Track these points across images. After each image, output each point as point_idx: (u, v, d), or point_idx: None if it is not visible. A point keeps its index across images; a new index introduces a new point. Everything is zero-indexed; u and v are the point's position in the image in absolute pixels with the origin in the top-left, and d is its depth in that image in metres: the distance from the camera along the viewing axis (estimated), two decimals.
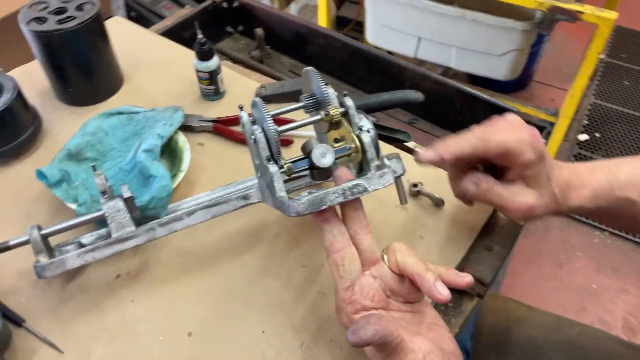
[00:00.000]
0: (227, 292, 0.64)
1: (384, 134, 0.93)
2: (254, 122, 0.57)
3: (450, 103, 1.05)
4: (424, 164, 0.60)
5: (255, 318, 0.61)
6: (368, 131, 0.60)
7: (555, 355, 0.89)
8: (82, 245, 0.65)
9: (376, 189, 0.54)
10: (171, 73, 0.93)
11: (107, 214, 0.59)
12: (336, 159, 0.57)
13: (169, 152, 0.77)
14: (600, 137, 2.23)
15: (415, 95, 0.88)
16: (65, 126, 0.84)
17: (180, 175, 0.71)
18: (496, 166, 0.62)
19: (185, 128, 0.82)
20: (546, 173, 0.59)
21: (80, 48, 0.82)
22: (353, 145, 0.58)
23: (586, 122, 2.30)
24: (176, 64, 0.95)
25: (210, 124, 0.82)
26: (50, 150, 0.80)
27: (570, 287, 1.82)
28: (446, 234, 0.70)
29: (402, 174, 0.58)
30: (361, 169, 0.59)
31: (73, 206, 0.68)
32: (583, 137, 2.24)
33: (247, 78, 0.94)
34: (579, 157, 2.14)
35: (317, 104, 0.62)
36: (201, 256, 0.67)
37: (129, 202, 0.61)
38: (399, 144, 1.03)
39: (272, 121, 0.55)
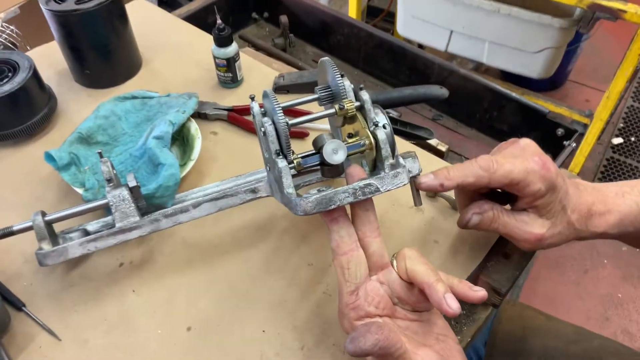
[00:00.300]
0: (229, 288, 0.62)
1: (405, 130, 0.90)
2: (264, 114, 0.55)
3: (477, 100, 1.01)
4: (423, 189, 0.57)
5: (256, 316, 0.59)
6: (384, 127, 0.56)
7: None
8: (87, 233, 0.64)
9: (389, 190, 0.51)
10: (190, 58, 0.91)
11: (111, 203, 0.58)
12: (349, 155, 0.54)
13: (181, 139, 0.75)
14: (636, 140, 2.14)
15: (440, 92, 0.84)
16: (80, 108, 0.83)
17: (190, 165, 0.69)
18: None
19: (200, 115, 0.80)
20: (560, 202, 0.56)
21: (98, 29, 0.81)
22: (367, 142, 0.55)
23: (622, 125, 2.21)
24: (195, 49, 0.93)
25: (225, 112, 0.79)
26: (63, 132, 0.79)
27: (594, 295, 1.75)
28: (462, 239, 0.66)
29: (418, 174, 0.55)
30: (375, 167, 0.56)
31: (80, 191, 0.67)
32: (617, 140, 2.15)
33: (267, 66, 0.91)
34: (612, 161, 2.06)
35: (332, 97, 0.59)
36: (206, 249, 0.65)
37: (134, 191, 0.59)
38: (420, 141, 1.00)
39: (282, 114, 0.53)
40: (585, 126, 2.10)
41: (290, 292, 0.61)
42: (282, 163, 0.52)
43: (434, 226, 0.68)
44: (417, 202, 0.58)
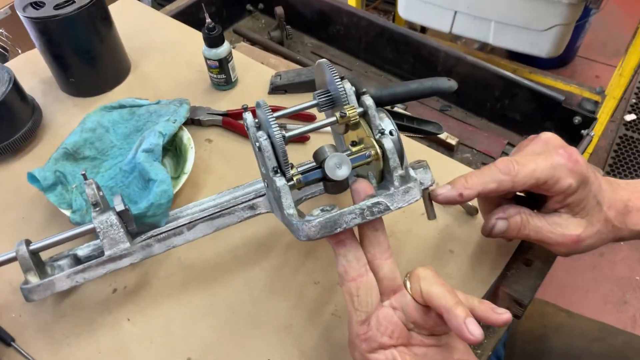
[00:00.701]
0: (230, 312, 0.57)
1: (412, 126, 0.84)
2: (259, 127, 0.50)
3: (487, 89, 0.95)
4: (441, 202, 0.52)
5: (260, 342, 0.55)
6: (391, 133, 0.51)
7: None
8: (77, 259, 0.59)
9: (400, 207, 0.46)
10: (180, 59, 0.86)
11: (98, 230, 0.53)
12: (353, 168, 0.49)
13: (174, 150, 0.71)
14: None
15: (448, 84, 0.78)
16: (67, 119, 0.79)
17: (183, 179, 0.65)
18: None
19: (193, 122, 0.75)
20: (594, 197, 0.51)
21: (80, 35, 0.75)
22: (373, 152, 0.50)
23: (634, 100, 2.14)
24: (186, 48, 0.88)
25: (220, 117, 0.74)
26: (50, 146, 0.74)
27: (611, 279, 1.71)
28: (480, 247, 0.62)
29: (431, 185, 0.50)
30: (382, 178, 0.51)
31: (67, 213, 0.62)
32: (630, 117, 2.08)
33: (262, 65, 0.86)
34: (625, 139, 1.99)
35: (332, 102, 0.54)
36: (203, 270, 0.61)
37: (123, 215, 0.55)
38: (429, 136, 0.95)
39: (277, 127, 0.48)
40: (597, 104, 2.03)
41: (296, 314, 0.57)
42: (280, 181, 0.47)
43: (448, 234, 0.63)
44: (431, 215, 0.53)
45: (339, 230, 0.44)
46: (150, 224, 0.61)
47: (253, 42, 1.09)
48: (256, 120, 0.51)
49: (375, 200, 0.45)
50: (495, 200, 0.56)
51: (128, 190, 0.66)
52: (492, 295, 0.61)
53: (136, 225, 0.61)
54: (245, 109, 0.51)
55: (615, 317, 1.63)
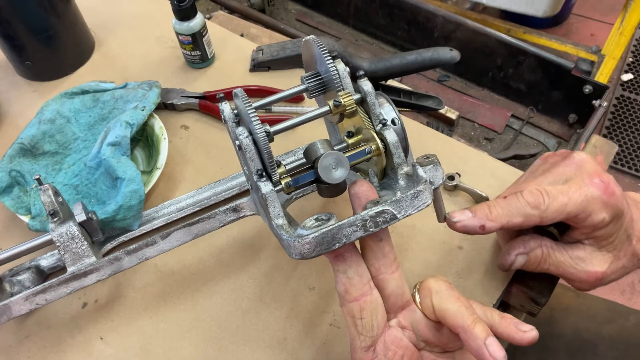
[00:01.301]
0: (216, 326, 0.51)
1: (410, 102, 0.77)
2: (238, 122, 0.42)
3: (489, 57, 0.88)
4: (458, 230, 0.46)
5: None
6: (393, 123, 0.44)
7: (608, 352, 0.77)
8: (40, 271, 0.53)
9: (408, 215, 0.39)
10: (150, 34, 0.77)
11: (57, 244, 0.46)
12: (352, 166, 0.42)
13: (145, 139, 0.63)
14: None
15: (450, 55, 0.71)
16: (26, 107, 0.70)
17: (156, 174, 0.57)
18: None
19: (166, 106, 0.67)
20: (625, 231, 0.46)
21: (32, 11, 0.66)
22: (374, 147, 0.42)
23: (631, 59, 2.07)
24: (156, 22, 0.78)
25: (196, 100, 0.66)
26: (8, 140, 0.66)
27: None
28: (492, 241, 0.55)
29: (442, 184, 0.43)
30: (385, 175, 0.45)
31: (25, 219, 0.55)
32: (627, 76, 2.02)
33: (242, 38, 0.77)
34: (622, 100, 1.93)
35: (323, 85, 0.47)
36: (184, 278, 0.54)
37: (86, 225, 0.47)
38: (427, 111, 0.87)
39: (259, 122, 0.40)
40: (592, 64, 1.96)
41: (290, 326, 0.51)
42: (266, 187, 0.40)
43: None
44: (441, 217, 0.46)
45: (337, 246, 0.37)
46: (120, 227, 0.54)
47: (232, 11, 1.00)
48: (235, 111, 0.43)
49: (379, 208, 0.38)
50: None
51: (95, 188, 0.58)
52: (506, 293, 0.55)
53: (105, 229, 0.54)
54: (220, 98, 0.44)
55: (613, 283, 1.61)
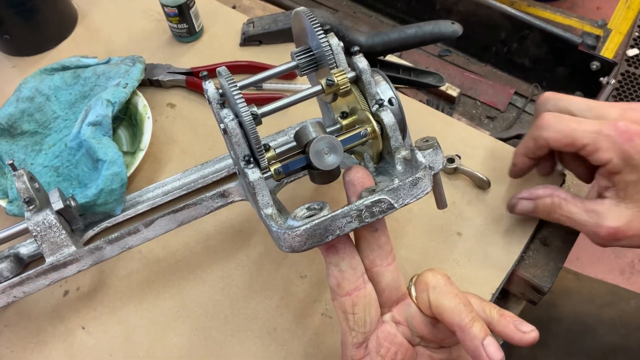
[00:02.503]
0: (203, 315, 0.49)
1: (409, 78, 0.74)
2: (223, 104, 0.39)
3: (493, 30, 0.84)
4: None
5: (239, 351, 0.47)
6: (390, 103, 0.41)
7: (608, 336, 0.76)
8: (19, 259, 0.50)
9: (407, 204, 0.36)
10: (135, 6, 0.72)
11: (34, 233, 0.43)
12: (346, 150, 0.39)
13: (129, 118, 0.60)
14: None
15: (452, 28, 0.67)
16: (5, 83, 0.67)
17: (140, 155, 0.54)
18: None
19: (152, 83, 0.63)
20: None
21: None
22: (369, 129, 0.39)
23: (637, 33, 2.01)
24: None
25: (183, 77, 0.63)
26: None
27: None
28: (492, 227, 0.53)
29: (443, 168, 0.41)
30: (381, 158, 0.42)
31: (3, 203, 0.52)
32: (633, 52, 1.96)
33: (233, 10, 0.73)
34: (627, 76, 1.88)
35: (315, 62, 0.43)
36: (170, 265, 0.52)
37: (64, 213, 0.45)
38: (428, 89, 0.84)
39: (245, 104, 0.37)
40: (598, 38, 1.90)
41: (280, 315, 0.49)
42: (254, 175, 0.37)
43: (455, 214, 0.54)
44: (442, 204, 0.44)
45: (330, 238, 0.34)
46: (102, 212, 0.51)
47: None
48: (220, 90, 0.40)
49: (375, 197, 0.35)
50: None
51: (77, 170, 0.55)
52: (507, 281, 0.53)
53: (87, 214, 0.52)
54: (204, 77, 0.40)
55: (613, 263, 1.59)
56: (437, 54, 0.90)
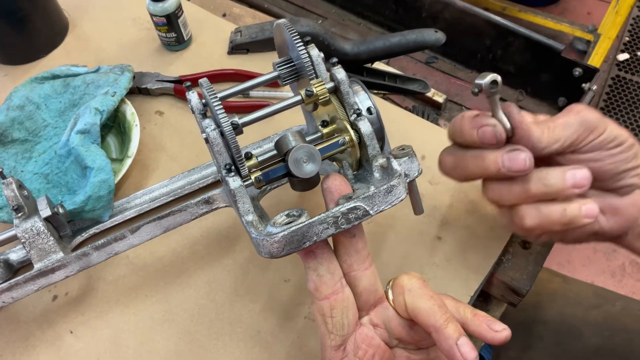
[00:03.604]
0: (189, 319, 0.50)
1: (395, 85, 0.75)
2: (204, 114, 0.40)
3: (478, 38, 0.85)
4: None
5: (224, 354, 0.48)
6: (369, 111, 0.43)
7: (593, 338, 0.77)
8: (9, 265, 0.51)
9: (382, 211, 0.37)
10: (125, 15, 0.74)
11: (22, 240, 0.45)
12: (324, 159, 0.41)
13: (118, 126, 0.61)
14: None
15: (435, 37, 0.69)
16: None
17: (127, 162, 0.55)
18: None
19: (140, 91, 0.64)
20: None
21: None
22: (347, 138, 0.41)
23: (627, 38, 2.03)
24: (131, 2, 0.75)
25: (171, 85, 0.64)
26: None
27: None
28: (472, 232, 0.54)
29: (418, 176, 0.42)
30: (360, 166, 0.43)
31: None
32: (623, 56, 1.98)
33: (221, 19, 0.74)
34: (618, 80, 1.90)
35: (296, 72, 0.45)
36: (157, 270, 0.53)
37: (52, 219, 0.46)
38: (414, 95, 0.85)
39: (225, 115, 0.38)
40: (589, 43, 1.92)
41: (264, 319, 0.50)
42: (234, 183, 0.38)
43: (435, 218, 0.55)
44: (418, 209, 0.45)
45: (308, 244, 0.36)
46: (91, 218, 0.52)
47: None
48: (204, 101, 0.41)
49: (351, 204, 0.36)
50: None
51: (66, 177, 0.56)
52: (487, 283, 0.54)
53: (75, 220, 0.53)
54: (188, 87, 0.42)
55: (604, 266, 1.61)
56: (424, 61, 0.91)
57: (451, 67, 0.90)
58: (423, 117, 0.81)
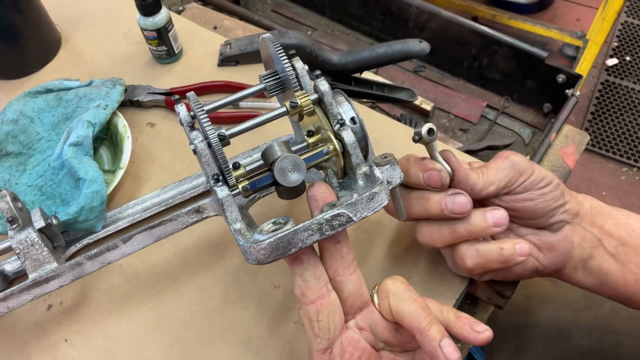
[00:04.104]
0: (181, 327, 0.51)
1: (382, 94, 0.77)
2: (192, 126, 0.42)
3: (464, 47, 0.87)
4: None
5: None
6: (353, 121, 0.44)
7: (583, 340, 0.78)
8: (4, 276, 0.52)
9: (365, 217, 0.39)
10: (117, 29, 0.75)
11: (17, 251, 0.46)
12: (309, 168, 0.42)
13: (110, 138, 0.62)
14: (632, 60, 2.00)
15: (420, 47, 0.70)
16: None
17: (119, 174, 0.57)
18: None
19: (132, 103, 0.66)
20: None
21: None
22: (331, 147, 0.42)
23: (616, 44, 2.06)
24: (122, 16, 0.77)
25: (162, 97, 0.65)
26: None
27: None
28: None
29: (400, 183, 0.43)
30: (345, 174, 0.44)
31: None
32: (612, 61, 2.01)
33: (211, 32, 0.76)
34: (607, 85, 1.93)
35: (282, 85, 0.46)
36: (149, 279, 0.54)
37: (46, 231, 0.47)
38: (402, 103, 0.87)
39: (211, 127, 0.39)
40: (578, 49, 1.95)
41: (254, 324, 0.51)
42: (222, 192, 0.40)
43: None
44: (401, 215, 0.46)
45: (293, 250, 0.37)
46: (84, 229, 0.53)
47: (205, 2, 0.98)
48: (192, 113, 0.43)
49: (335, 212, 0.37)
50: None
51: (59, 189, 0.57)
52: (473, 286, 0.56)
53: (69, 231, 0.54)
54: (176, 100, 0.43)
55: None
56: (412, 70, 0.93)
57: (439, 76, 0.92)
58: (410, 125, 0.83)
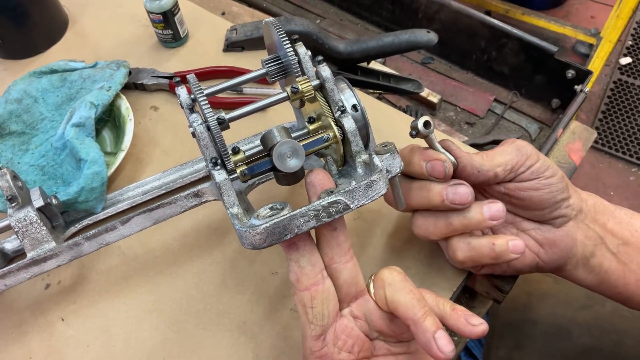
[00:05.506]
0: (177, 309, 0.51)
1: (389, 85, 0.76)
2: (192, 108, 0.41)
3: (473, 39, 0.86)
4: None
5: (210, 344, 0.49)
6: (354, 108, 0.43)
7: (582, 338, 0.78)
8: (3, 255, 0.52)
9: (362, 205, 0.38)
10: (124, 11, 0.75)
11: (16, 229, 0.46)
12: (308, 154, 0.42)
13: (113, 120, 0.62)
14: None
15: (427, 37, 0.69)
16: None
17: (120, 156, 0.57)
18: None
19: (136, 86, 0.66)
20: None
21: None
22: (331, 134, 0.42)
23: (630, 42, 2.03)
24: None
25: (166, 80, 0.65)
26: None
27: None
28: None
29: (399, 173, 0.43)
30: (345, 162, 0.44)
31: None
32: (625, 60, 1.99)
33: (218, 17, 0.76)
34: (620, 84, 1.91)
35: (284, 70, 0.46)
36: (148, 261, 0.54)
37: (45, 210, 0.47)
38: (408, 95, 0.86)
39: (210, 110, 0.39)
40: (591, 47, 1.92)
41: (250, 310, 0.51)
42: (220, 176, 0.39)
43: None
44: (400, 204, 0.46)
45: (289, 236, 0.37)
46: (83, 210, 0.54)
47: None
48: (192, 96, 0.43)
49: (332, 198, 0.37)
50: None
51: (61, 169, 0.58)
52: (471, 280, 0.55)
53: (69, 211, 0.54)
54: (177, 82, 0.43)
55: None
56: (420, 62, 0.92)
57: (446, 68, 0.91)
58: (415, 116, 0.82)
